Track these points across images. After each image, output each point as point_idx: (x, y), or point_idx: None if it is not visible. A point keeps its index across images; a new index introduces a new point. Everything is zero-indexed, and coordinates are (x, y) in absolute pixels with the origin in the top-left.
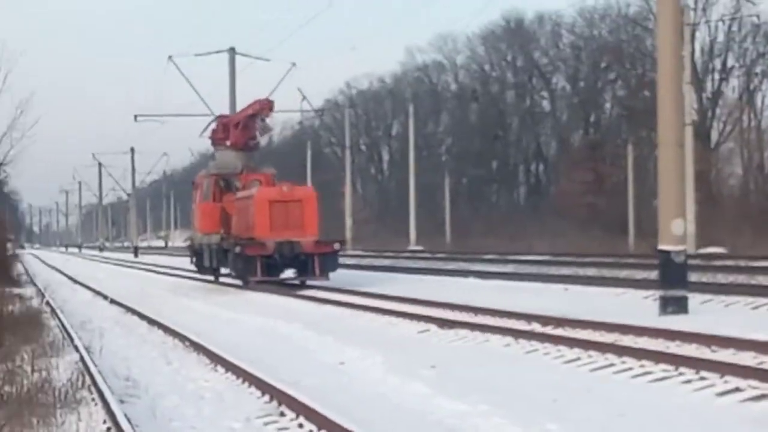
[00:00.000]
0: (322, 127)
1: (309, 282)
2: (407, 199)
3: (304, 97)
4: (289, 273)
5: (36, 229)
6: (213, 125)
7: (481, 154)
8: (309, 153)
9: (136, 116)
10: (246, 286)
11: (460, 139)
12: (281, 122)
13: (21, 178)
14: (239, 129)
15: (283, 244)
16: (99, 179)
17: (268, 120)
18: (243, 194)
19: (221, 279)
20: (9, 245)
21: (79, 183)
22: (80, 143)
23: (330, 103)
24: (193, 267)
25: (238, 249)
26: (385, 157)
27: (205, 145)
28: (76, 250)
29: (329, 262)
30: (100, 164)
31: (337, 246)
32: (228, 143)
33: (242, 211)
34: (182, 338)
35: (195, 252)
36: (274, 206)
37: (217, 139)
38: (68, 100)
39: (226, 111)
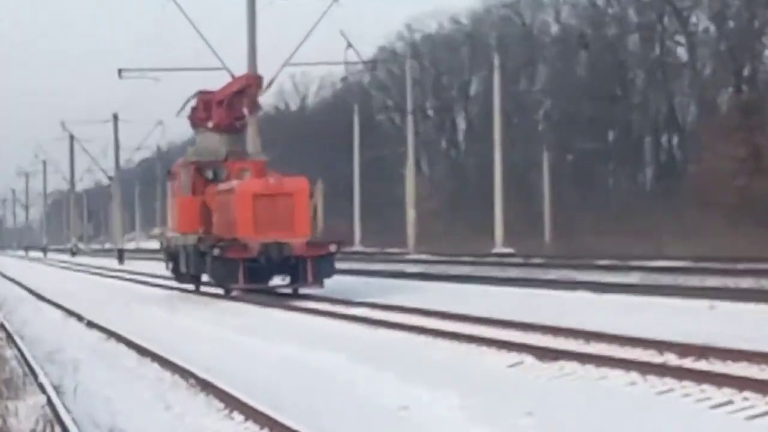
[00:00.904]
0: (374, 85)
1: (301, 290)
2: (491, 183)
3: (350, 45)
4: (279, 280)
5: None
6: (192, 102)
7: (593, 121)
8: (356, 120)
9: (120, 71)
10: (227, 296)
11: (562, 100)
12: (318, 78)
13: None
14: (223, 107)
15: (270, 245)
16: (70, 157)
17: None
18: (224, 187)
19: (203, 288)
20: None
21: (44, 162)
22: (45, 110)
23: (385, 52)
24: (169, 274)
25: (216, 251)
26: (461, 125)
27: None
28: (39, 253)
29: (324, 266)
30: (71, 137)
31: (333, 248)
32: (210, 124)
33: (223, 207)
34: (185, 373)
35: (170, 256)
36: (258, 201)
37: (197, 120)
38: (29, 53)
39: (243, 62)
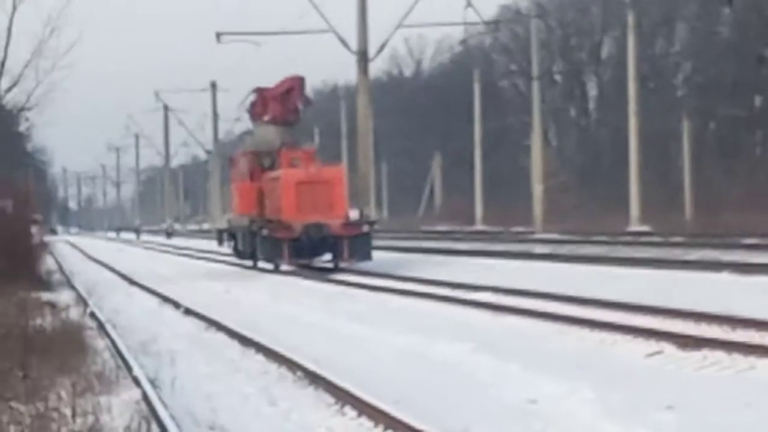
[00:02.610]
0: (496, 48)
1: (341, 265)
2: (625, 155)
3: (469, 3)
4: (324, 258)
5: (73, 204)
6: (251, 98)
7: (738, 85)
8: (477, 86)
9: (218, 35)
10: (276, 269)
11: (704, 63)
12: (435, 42)
13: (52, 130)
14: (278, 103)
15: (311, 226)
16: (165, 130)
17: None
18: (273, 175)
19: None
20: (34, 229)
21: (136, 136)
22: (138, 78)
23: (508, 12)
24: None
25: (265, 231)
26: (592, 92)
27: (322, 77)
28: (132, 235)
29: (359, 244)
30: (165, 108)
31: (366, 228)
32: (266, 118)
33: (272, 192)
34: (292, 365)
35: (231, 235)
36: (301, 188)
37: (255, 113)
38: (120, 16)
39: (352, 23)
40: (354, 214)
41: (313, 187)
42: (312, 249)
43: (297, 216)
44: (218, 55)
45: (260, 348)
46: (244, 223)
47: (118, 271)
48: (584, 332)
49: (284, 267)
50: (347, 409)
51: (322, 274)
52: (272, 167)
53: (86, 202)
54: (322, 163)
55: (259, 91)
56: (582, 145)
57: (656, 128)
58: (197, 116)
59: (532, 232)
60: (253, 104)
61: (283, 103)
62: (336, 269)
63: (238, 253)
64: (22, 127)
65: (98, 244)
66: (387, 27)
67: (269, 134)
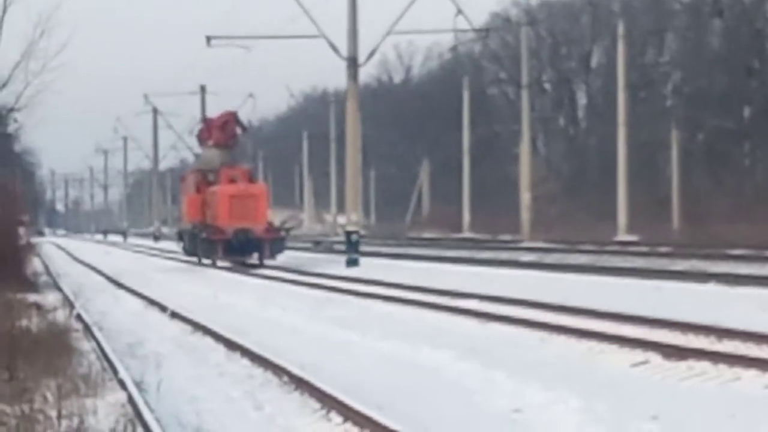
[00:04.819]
0: (485, 56)
1: (264, 262)
2: (614, 164)
3: (460, 11)
4: (252, 257)
5: (60, 207)
6: (199, 125)
7: (727, 96)
8: (466, 94)
9: (208, 38)
10: (213, 265)
11: (693, 73)
12: (425, 48)
13: (40, 132)
14: (219, 130)
15: (240, 230)
16: (154, 133)
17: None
18: (212, 189)
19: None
20: (21, 230)
21: (124, 139)
22: (127, 80)
23: (498, 20)
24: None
25: (204, 234)
26: (582, 100)
27: (311, 83)
28: (119, 238)
29: (277, 245)
30: (155, 110)
31: (282, 233)
32: (210, 142)
33: (211, 204)
34: (277, 369)
35: (181, 237)
36: (233, 200)
37: (202, 138)
38: (110, 18)
39: (342, 28)
40: (342, 220)
41: (242, 199)
42: (241, 249)
43: (229, 222)
44: (208, 58)
45: (246, 352)
46: (190, 227)
47: (105, 273)
48: (571, 341)
49: (219, 263)
50: (333, 414)
51: (308, 278)
52: (215, 183)
53: (74, 204)
54: (254, 180)
55: (205, 121)
56: (570, 154)
57: (645, 138)
58: (186, 119)
59: (520, 240)
60: (200, 131)
61: (223, 131)
62: (261, 265)
63: (185, 251)
64: (11, 128)
65: (85, 247)
66: (377, 33)
67: (212, 156)
